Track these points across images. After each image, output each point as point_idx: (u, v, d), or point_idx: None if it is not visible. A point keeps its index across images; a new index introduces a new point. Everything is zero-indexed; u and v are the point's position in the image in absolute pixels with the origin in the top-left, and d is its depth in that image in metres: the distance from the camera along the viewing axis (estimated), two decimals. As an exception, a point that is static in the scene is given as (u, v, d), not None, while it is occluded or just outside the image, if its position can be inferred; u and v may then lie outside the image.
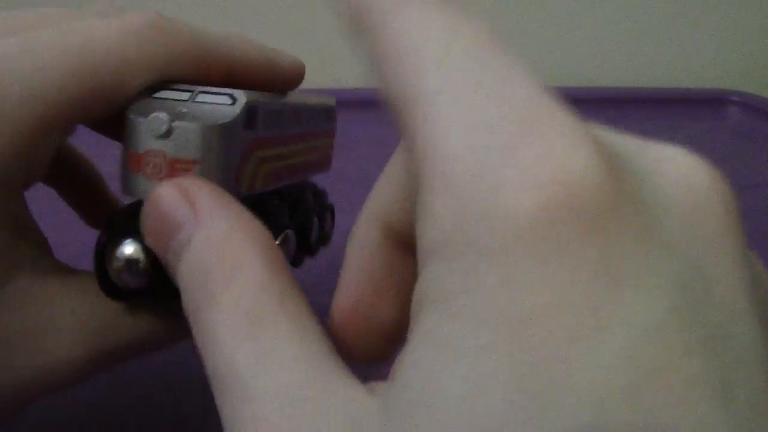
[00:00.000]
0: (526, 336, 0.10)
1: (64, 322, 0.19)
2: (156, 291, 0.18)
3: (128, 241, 0.18)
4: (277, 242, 0.20)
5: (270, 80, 0.22)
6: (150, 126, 0.18)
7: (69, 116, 0.18)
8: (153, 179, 0.17)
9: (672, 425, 0.10)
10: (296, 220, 0.22)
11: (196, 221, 0.15)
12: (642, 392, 0.10)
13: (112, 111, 0.19)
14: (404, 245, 0.16)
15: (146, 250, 0.18)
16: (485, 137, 0.11)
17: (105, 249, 0.18)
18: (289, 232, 0.21)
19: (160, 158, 0.18)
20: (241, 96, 0.19)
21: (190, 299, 0.14)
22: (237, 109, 0.19)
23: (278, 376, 0.12)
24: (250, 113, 0.19)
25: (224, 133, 0.18)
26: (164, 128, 0.17)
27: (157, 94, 0.19)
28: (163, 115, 0.17)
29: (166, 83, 0.19)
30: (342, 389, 0.12)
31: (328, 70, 0.65)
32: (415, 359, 0.11)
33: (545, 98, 0.12)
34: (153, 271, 0.18)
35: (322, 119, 0.25)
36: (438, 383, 0.10)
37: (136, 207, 0.17)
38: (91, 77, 0.18)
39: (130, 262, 0.18)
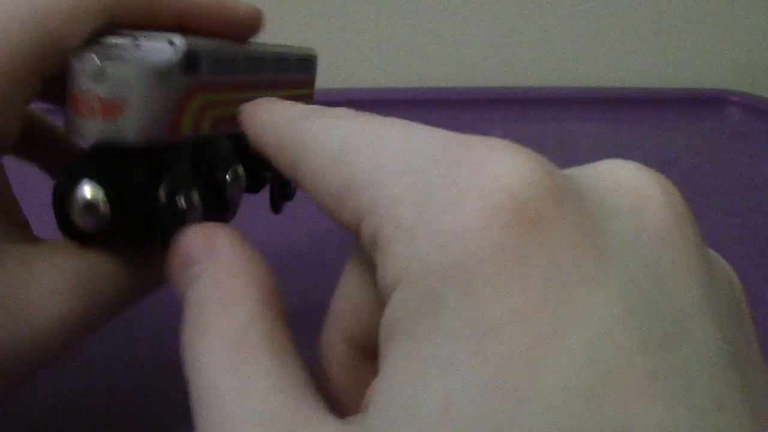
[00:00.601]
0: (488, 348, 0.10)
1: (45, 281, 0.19)
2: (118, 232, 0.19)
3: (86, 182, 0.19)
4: (227, 176, 0.22)
5: (225, 27, 0.22)
6: (83, 67, 0.18)
7: (27, 70, 0.18)
8: (87, 118, 0.18)
9: (633, 424, 0.10)
10: (239, 162, 0.22)
11: (210, 258, 0.16)
12: (603, 394, 0.10)
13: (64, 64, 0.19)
14: (367, 352, 0.17)
15: (105, 191, 0.19)
16: (421, 174, 0.12)
17: (64, 192, 0.19)
18: (239, 168, 0.22)
19: (93, 99, 0.18)
20: (181, 40, 0.19)
21: (187, 328, 0.15)
22: (174, 52, 0.19)
23: (256, 405, 0.13)
24: (189, 57, 0.20)
25: (155, 75, 0.19)
26: (95, 69, 0.18)
27: (102, 39, 0.19)
28: (94, 57, 0.18)
29: (115, 29, 0.20)
30: (317, 421, 0.13)
31: (338, 69, 0.65)
32: (388, 385, 0.11)
33: (462, 135, 0.13)
34: (113, 212, 0.19)
35: (294, 68, 0.26)
36: (412, 404, 0.11)
37: (94, 150, 0.19)
38: (41, 26, 0.18)
39: (89, 203, 0.19)
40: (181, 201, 0.20)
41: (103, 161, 0.19)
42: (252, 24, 0.23)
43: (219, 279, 0.16)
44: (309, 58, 0.27)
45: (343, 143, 0.15)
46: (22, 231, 0.21)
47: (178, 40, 0.19)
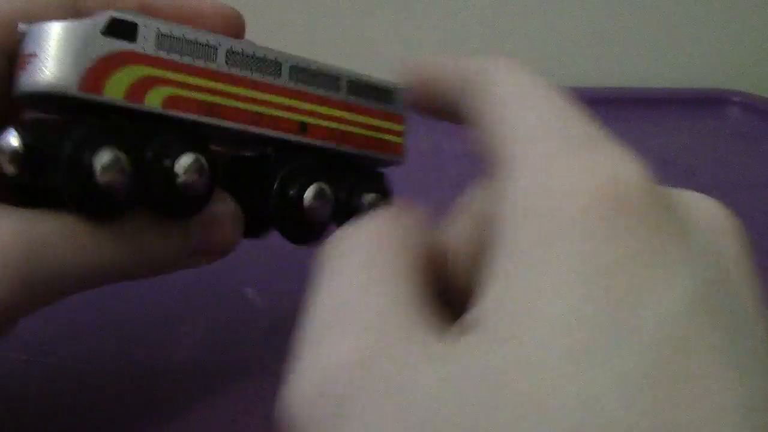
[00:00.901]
0: (601, 281, 0.12)
1: None
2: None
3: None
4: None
5: (191, 19, 0.23)
6: (17, 31, 0.22)
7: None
8: (16, 75, 0.21)
9: (704, 374, 0.12)
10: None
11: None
12: (681, 354, 0.12)
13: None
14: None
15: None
16: (558, 149, 0.15)
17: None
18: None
19: (19, 57, 0.21)
20: (119, 12, 0.22)
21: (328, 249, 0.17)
22: (99, 17, 0.21)
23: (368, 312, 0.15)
24: (114, 23, 0.22)
25: (63, 31, 0.21)
26: (22, 30, 0.21)
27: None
28: (23, 23, 0.21)
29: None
30: (421, 337, 0.14)
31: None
32: (505, 295, 0.13)
33: (599, 132, 0.16)
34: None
35: (350, 91, 0.26)
36: (535, 311, 0.12)
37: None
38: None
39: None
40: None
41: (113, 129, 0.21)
42: (226, 22, 0.24)
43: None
44: (384, 89, 0.26)
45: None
46: None
47: (117, 12, 0.21)
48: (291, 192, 0.24)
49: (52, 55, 0.21)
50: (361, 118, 0.26)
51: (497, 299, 0.13)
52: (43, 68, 0.21)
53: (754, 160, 0.55)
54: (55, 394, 0.28)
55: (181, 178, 0.21)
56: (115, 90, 0.21)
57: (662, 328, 0.12)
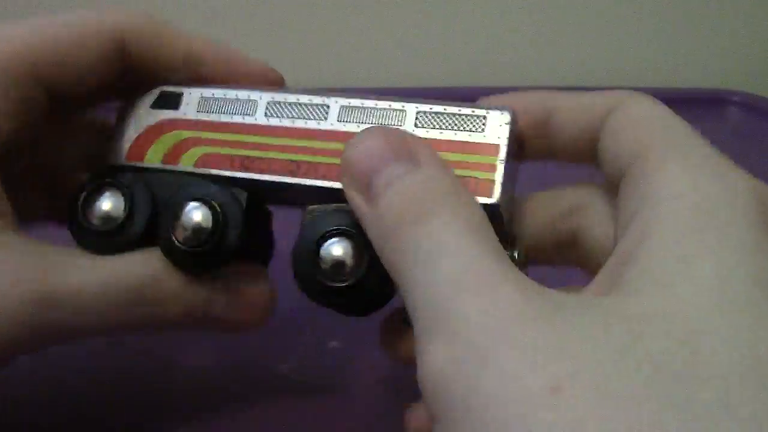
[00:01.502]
0: (755, 261, 0.14)
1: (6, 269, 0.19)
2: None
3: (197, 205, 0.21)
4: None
5: (236, 79, 0.24)
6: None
7: (24, 71, 0.21)
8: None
9: None
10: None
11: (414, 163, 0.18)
12: None
13: (80, 75, 0.22)
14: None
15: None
16: (706, 158, 0.18)
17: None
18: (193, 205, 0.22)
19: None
20: (172, 86, 0.23)
21: (401, 214, 0.17)
22: (151, 93, 0.23)
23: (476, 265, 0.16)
24: (162, 96, 0.23)
25: (119, 109, 0.24)
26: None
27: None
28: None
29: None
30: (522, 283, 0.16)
31: (338, 69, 0.65)
32: (659, 254, 0.15)
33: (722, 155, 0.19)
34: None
35: (425, 123, 0.22)
36: (689, 267, 0.14)
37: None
38: (52, 38, 0.21)
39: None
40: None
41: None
42: (269, 80, 0.24)
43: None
44: (467, 116, 0.21)
45: None
46: (2, 219, 0.21)
47: (167, 86, 0.23)
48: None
49: (119, 133, 0.23)
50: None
51: (655, 261, 0.15)
52: (115, 145, 0.23)
53: (754, 160, 0.55)
54: (57, 394, 0.28)
55: (182, 225, 0.21)
56: (155, 156, 0.23)
57: None
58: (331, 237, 0.20)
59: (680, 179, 0.17)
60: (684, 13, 0.70)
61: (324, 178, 0.21)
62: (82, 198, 0.22)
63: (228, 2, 0.62)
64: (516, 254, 0.22)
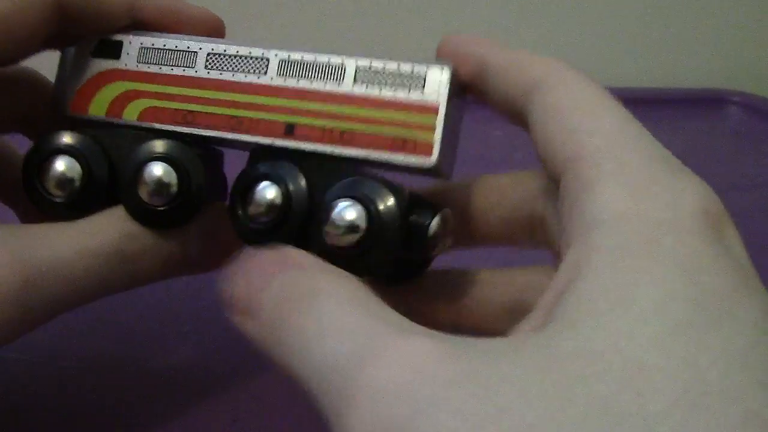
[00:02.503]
0: (699, 282, 0.13)
1: None
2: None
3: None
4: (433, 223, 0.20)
5: (179, 26, 0.23)
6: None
7: None
8: None
9: None
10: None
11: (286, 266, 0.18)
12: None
13: (15, 42, 0.21)
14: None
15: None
16: (643, 163, 0.16)
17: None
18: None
19: None
20: (113, 34, 0.23)
21: (278, 313, 0.17)
22: (89, 41, 0.23)
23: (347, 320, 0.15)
24: (101, 44, 0.23)
25: (61, 57, 0.23)
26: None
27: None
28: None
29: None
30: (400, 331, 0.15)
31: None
32: (593, 286, 0.14)
33: (664, 150, 0.17)
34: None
35: (363, 81, 0.21)
36: (625, 301, 0.13)
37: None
38: None
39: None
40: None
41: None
42: (210, 28, 0.24)
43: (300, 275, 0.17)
44: (408, 74, 0.21)
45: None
46: None
47: (120, 35, 0.23)
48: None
49: (58, 79, 0.23)
50: (369, 113, 0.21)
51: (592, 290, 0.14)
52: (53, 92, 0.23)
53: (754, 160, 0.55)
54: (59, 394, 0.28)
55: (148, 188, 0.21)
56: (98, 108, 0.23)
57: (761, 320, 0.13)
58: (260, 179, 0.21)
59: (618, 199, 0.15)
60: (684, 13, 0.70)
61: (265, 134, 0.21)
62: (36, 168, 0.22)
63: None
64: (433, 223, 0.20)
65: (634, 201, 0.15)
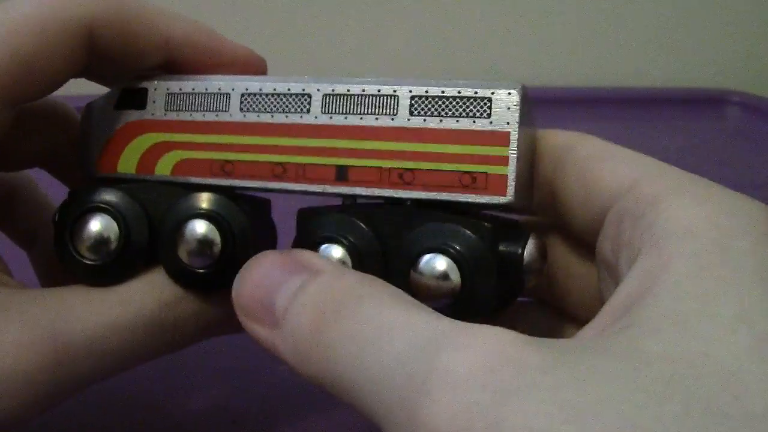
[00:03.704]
0: None
1: (11, 331, 0.18)
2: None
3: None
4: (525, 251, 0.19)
5: (217, 66, 0.21)
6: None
7: (3, 96, 0.18)
8: None
9: None
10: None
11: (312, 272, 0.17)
12: None
13: (45, 83, 0.19)
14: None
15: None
16: (691, 184, 0.17)
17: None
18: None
19: None
20: (135, 81, 0.21)
21: (316, 318, 0.16)
22: (112, 92, 0.21)
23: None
24: (125, 94, 0.21)
25: (84, 112, 0.21)
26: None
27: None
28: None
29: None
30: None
31: (334, 70, 0.65)
32: (672, 294, 0.14)
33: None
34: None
35: (420, 111, 0.19)
36: (710, 305, 0.13)
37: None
38: (5, 44, 0.18)
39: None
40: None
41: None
42: (253, 72, 0.21)
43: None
44: (473, 98, 0.18)
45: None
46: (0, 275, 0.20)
47: (129, 82, 0.20)
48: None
49: (82, 140, 0.21)
50: (430, 148, 0.18)
51: (673, 298, 0.14)
52: (81, 154, 0.21)
53: (754, 160, 0.55)
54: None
55: (188, 248, 0.19)
56: (127, 165, 0.21)
57: None
58: (323, 243, 0.19)
59: (686, 210, 0.15)
60: (684, 13, 0.70)
61: (313, 181, 0.19)
62: (69, 228, 0.20)
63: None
64: (526, 250, 0.19)
65: (702, 211, 0.15)
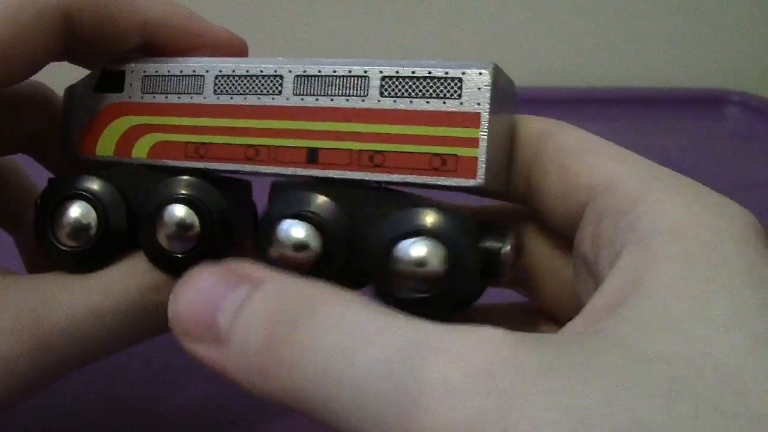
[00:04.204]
0: (764, 292, 0.13)
1: None
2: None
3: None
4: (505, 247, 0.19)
5: (197, 48, 0.21)
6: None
7: None
8: None
9: None
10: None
11: (255, 281, 0.16)
12: None
13: (21, 69, 0.19)
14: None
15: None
16: (682, 188, 0.16)
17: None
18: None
19: None
20: (114, 64, 0.21)
21: (269, 332, 0.15)
22: (92, 75, 0.21)
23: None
24: (104, 76, 0.21)
25: (65, 95, 0.21)
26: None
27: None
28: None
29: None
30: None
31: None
32: (658, 295, 0.14)
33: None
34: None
35: (392, 91, 0.18)
36: (698, 311, 0.13)
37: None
38: None
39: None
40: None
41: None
42: (234, 54, 0.21)
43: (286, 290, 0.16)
44: (443, 78, 0.18)
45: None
46: None
47: (118, 63, 0.21)
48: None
49: (64, 122, 0.21)
50: (400, 129, 0.18)
51: (663, 297, 0.14)
52: (60, 136, 0.22)
53: (754, 160, 0.55)
54: (59, 398, 0.27)
55: (167, 233, 0.19)
56: (106, 147, 0.21)
57: None
58: (287, 218, 0.19)
59: (672, 210, 0.15)
60: (684, 13, 0.70)
61: (285, 164, 0.19)
62: (49, 215, 0.20)
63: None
64: (507, 247, 0.18)
65: (688, 212, 0.15)
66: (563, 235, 0.19)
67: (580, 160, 0.17)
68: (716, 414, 0.11)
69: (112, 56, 0.21)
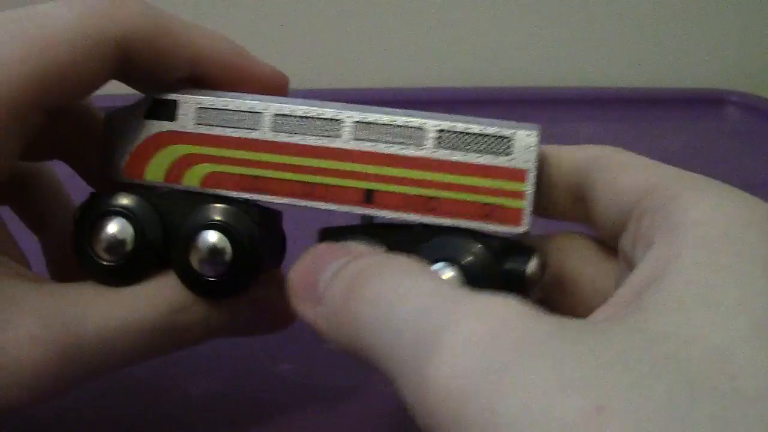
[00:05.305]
0: None
1: (25, 324, 0.18)
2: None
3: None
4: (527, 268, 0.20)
5: (242, 82, 0.22)
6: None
7: (26, 100, 0.19)
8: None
9: None
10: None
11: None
12: None
13: (81, 91, 0.20)
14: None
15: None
16: (706, 186, 0.18)
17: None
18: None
19: None
20: (165, 93, 0.22)
21: (347, 289, 0.17)
22: (142, 102, 0.22)
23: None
24: (155, 104, 0.21)
25: (108, 119, 0.22)
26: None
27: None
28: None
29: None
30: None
31: (332, 70, 0.65)
32: (678, 280, 0.14)
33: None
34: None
35: (441, 144, 0.20)
36: (709, 296, 0.14)
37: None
38: (41, 54, 0.19)
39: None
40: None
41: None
42: (274, 88, 0.22)
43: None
44: (495, 136, 0.20)
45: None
46: (18, 267, 0.21)
47: (159, 93, 0.21)
48: None
49: (106, 147, 0.22)
50: (454, 179, 0.20)
51: (679, 284, 0.14)
52: (105, 159, 0.22)
53: (754, 160, 0.55)
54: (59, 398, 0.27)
55: (199, 257, 0.20)
56: (155, 173, 0.22)
57: None
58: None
59: (703, 205, 0.16)
60: (684, 13, 0.70)
61: (338, 202, 0.21)
62: (87, 228, 0.21)
63: (231, 1, 0.62)
64: (531, 267, 0.20)
65: (715, 205, 0.16)
66: (610, 246, 0.20)
67: (626, 171, 0.19)
68: (700, 393, 0.12)
69: (159, 84, 0.22)
